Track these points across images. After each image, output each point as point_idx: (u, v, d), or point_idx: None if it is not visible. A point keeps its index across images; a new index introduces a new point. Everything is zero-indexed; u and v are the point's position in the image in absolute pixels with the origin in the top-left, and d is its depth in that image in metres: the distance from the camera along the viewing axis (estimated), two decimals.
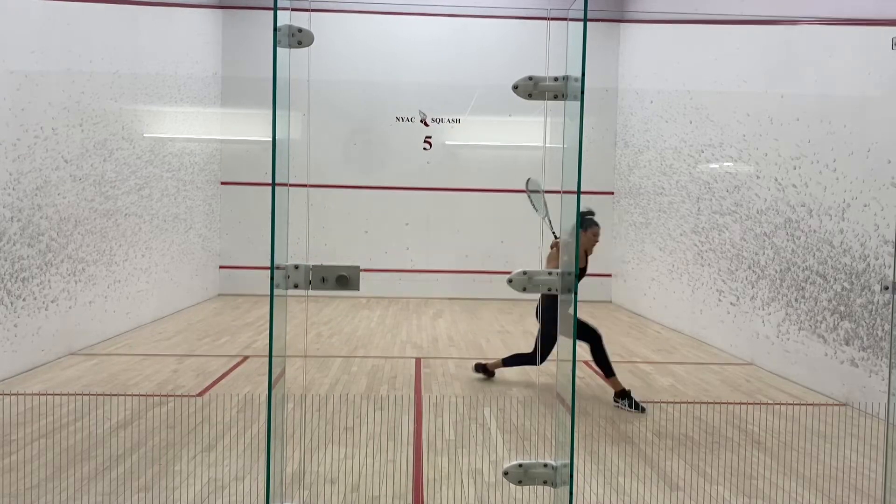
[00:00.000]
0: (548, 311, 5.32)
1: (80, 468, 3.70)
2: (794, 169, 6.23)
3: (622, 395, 5.18)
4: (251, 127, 11.42)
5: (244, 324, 8.59)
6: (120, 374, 5.90)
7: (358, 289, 2.04)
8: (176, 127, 9.48)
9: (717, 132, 7.80)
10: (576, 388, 2.05)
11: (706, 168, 8.10)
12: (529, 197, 5.71)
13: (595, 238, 5.47)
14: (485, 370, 5.99)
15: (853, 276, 5.40)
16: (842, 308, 5.54)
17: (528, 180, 5.73)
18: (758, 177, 6.89)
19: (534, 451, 4.17)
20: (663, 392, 5.68)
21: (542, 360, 5.42)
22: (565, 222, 2.10)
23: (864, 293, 5.28)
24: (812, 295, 5.94)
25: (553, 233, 5.47)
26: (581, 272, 5.41)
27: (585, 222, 5.41)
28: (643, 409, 5.08)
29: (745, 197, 7.12)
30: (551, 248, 5.40)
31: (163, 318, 8.89)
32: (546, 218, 5.56)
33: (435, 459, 3.96)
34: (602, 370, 5.27)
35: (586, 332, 5.29)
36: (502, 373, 6.20)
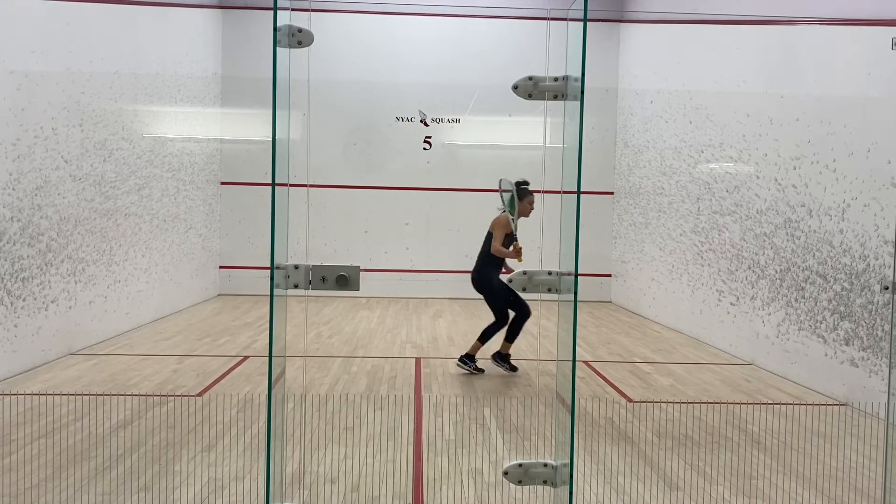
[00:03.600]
0: (487, 278, 6.16)
1: (80, 468, 3.70)
2: (794, 169, 6.23)
3: (502, 357, 6.19)
4: (251, 127, 11.42)
5: (244, 324, 8.59)
6: (120, 374, 5.90)
7: (358, 289, 2.04)
8: (176, 127, 9.48)
9: (717, 132, 7.80)
10: (576, 388, 2.05)
11: (706, 168, 8.10)
12: (501, 195, 6.29)
13: (531, 206, 6.20)
14: (469, 358, 6.23)
15: (853, 276, 5.40)
16: (842, 308, 5.54)
17: (500, 180, 6.35)
18: (758, 177, 6.89)
19: (534, 451, 4.17)
20: (663, 392, 5.68)
21: (507, 319, 6.15)
22: (565, 223, 2.10)
23: (864, 293, 5.28)
24: (812, 295, 5.94)
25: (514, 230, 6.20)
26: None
27: (522, 192, 6.18)
28: (515, 369, 6.21)
29: (745, 197, 7.12)
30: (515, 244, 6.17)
31: (163, 318, 8.89)
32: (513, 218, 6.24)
33: (435, 459, 3.96)
34: (506, 334, 6.15)
35: (519, 305, 6.10)
36: (500, 372, 6.20)
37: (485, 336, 6.19)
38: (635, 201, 10.54)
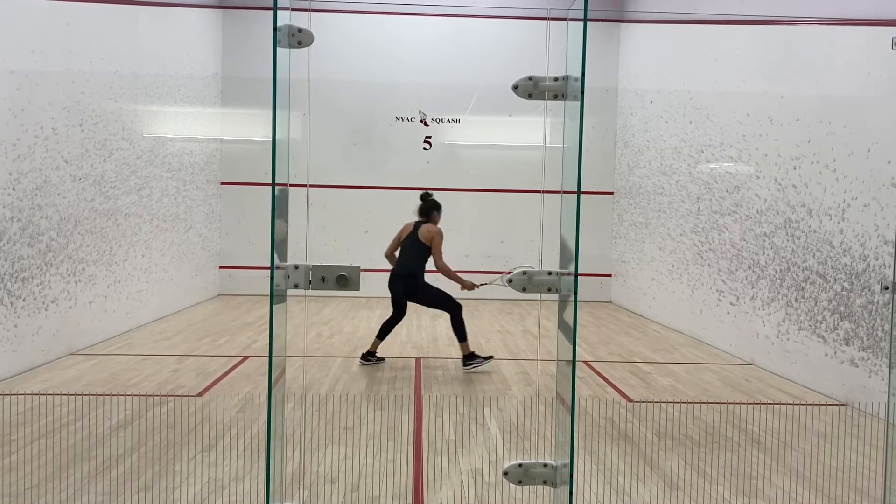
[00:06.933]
0: (403, 286, 6.41)
1: (80, 468, 3.70)
2: (794, 169, 6.23)
3: (471, 357, 6.21)
4: (251, 127, 11.42)
5: (244, 324, 8.59)
6: (120, 374, 5.90)
7: (358, 288, 2.04)
8: (176, 127, 9.48)
9: (717, 132, 7.80)
10: (576, 388, 2.05)
11: (706, 168, 8.10)
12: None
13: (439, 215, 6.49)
14: (370, 354, 6.44)
15: (853, 276, 5.40)
16: (842, 308, 5.54)
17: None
18: (758, 177, 6.89)
19: (534, 451, 4.17)
20: (663, 392, 5.68)
21: (402, 314, 6.46)
22: (565, 223, 2.10)
23: (864, 293, 5.28)
24: (812, 295, 5.94)
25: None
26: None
27: (433, 204, 6.51)
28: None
29: (745, 197, 7.12)
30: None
31: (163, 318, 8.89)
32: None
33: (435, 459, 3.96)
34: (456, 336, 6.25)
35: (448, 303, 6.26)
36: (500, 369, 6.20)
37: (381, 334, 6.46)
38: (635, 201, 10.54)
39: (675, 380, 6.16)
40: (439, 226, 6.39)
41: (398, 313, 6.49)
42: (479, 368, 6.26)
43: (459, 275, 6.28)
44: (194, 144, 10.12)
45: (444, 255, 6.22)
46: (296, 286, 2.05)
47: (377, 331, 6.52)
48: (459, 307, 6.29)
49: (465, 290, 6.26)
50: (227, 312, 9.54)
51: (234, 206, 11.35)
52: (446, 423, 4.64)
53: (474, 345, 7.60)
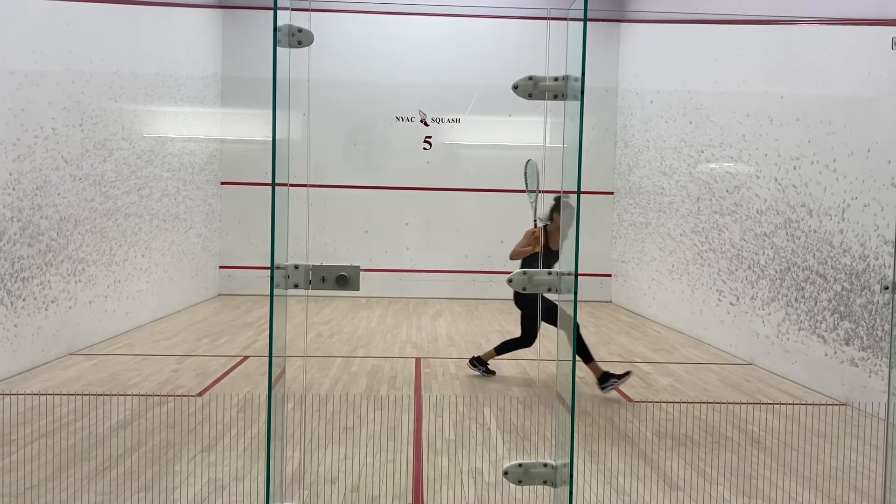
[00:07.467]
0: (527, 295, 5.64)
1: (80, 468, 3.70)
2: (794, 169, 6.23)
3: (604, 378, 5.47)
4: (251, 127, 11.42)
5: (244, 324, 8.59)
6: (120, 374, 5.90)
7: (358, 288, 2.04)
8: (176, 127, 9.48)
9: (717, 132, 7.80)
10: (576, 388, 2.05)
11: (706, 168, 8.10)
12: (526, 176, 5.96)
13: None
14: (480, 362, 6.16)
15: (853, 276, 5.40)
16: (842, 308, 5.54)
17: (528, 161, 5.98)
18: (758, 177, 6.89)
19: (534, 451, 4.17)
20: (663, 392, 5.68)
21: (533, 340, 5.84)
22: (564, 221, 2.10)
23: (864, 293, 5.28)
24: (812, 295, 5.94)
25: (536, 219, 5.73)
26: (556, 255, 5.66)
27: (553, 205, 5.85)
28: (629, 373, 5.48)
29: (745, 197, 7.12)
30: (533, 234, 5.63)
31: (163, 318, 8.89)
32: (534, 203, 5.84)
33: (435, 459, 3.96)
34: (581, 357, 5.53)
35: (526, 328, 5.81)
36: (500, 370, 6.21)
37: (500, 348, 6.04)
38: (635, 201, 10.54)
39: (675, 380, 6.16)
40: (557, 226, 5.70)
41: (528, 329, 5.99)
42: (476, 372, 6.20)
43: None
44: (194, 144, 10.12)
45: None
46: (296, 286, 2.05)
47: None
48: (529, 344, 5.91)
49: (535, 239, 5.66)
50: (227, 312, 9.54)
51: (234, 206, 11.36)
52: (446, 423, 4.64)
53: (475, 345, 7.62)
